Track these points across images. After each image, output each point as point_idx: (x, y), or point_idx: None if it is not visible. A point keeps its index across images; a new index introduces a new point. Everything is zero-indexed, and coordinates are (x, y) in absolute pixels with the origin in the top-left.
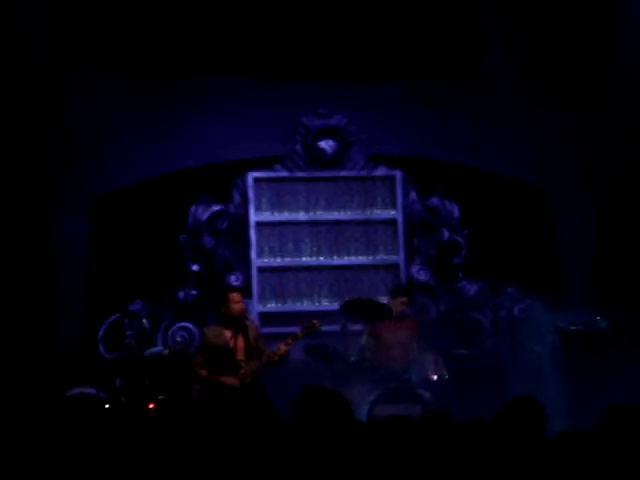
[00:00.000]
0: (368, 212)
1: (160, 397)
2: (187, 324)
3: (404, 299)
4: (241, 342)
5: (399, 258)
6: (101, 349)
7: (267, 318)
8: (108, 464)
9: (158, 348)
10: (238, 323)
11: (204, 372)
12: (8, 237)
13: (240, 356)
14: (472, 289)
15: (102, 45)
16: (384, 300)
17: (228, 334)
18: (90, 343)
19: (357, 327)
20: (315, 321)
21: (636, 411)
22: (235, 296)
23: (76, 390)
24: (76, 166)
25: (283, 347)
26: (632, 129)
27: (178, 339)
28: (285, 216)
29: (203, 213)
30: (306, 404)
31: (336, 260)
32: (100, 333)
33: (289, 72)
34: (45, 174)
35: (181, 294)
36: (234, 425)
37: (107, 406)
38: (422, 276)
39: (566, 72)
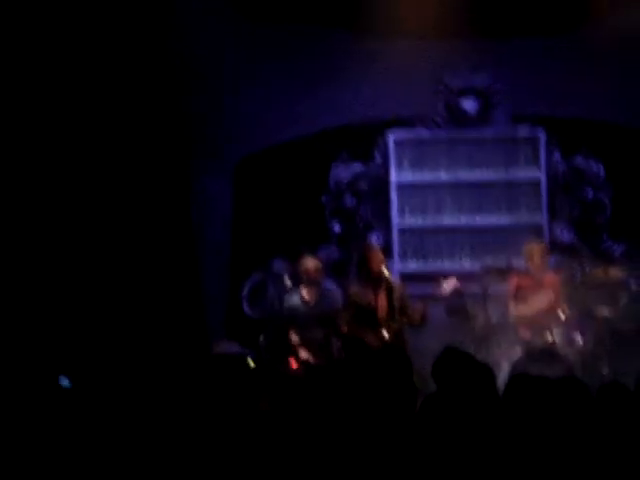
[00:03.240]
0: (511, 172)
1: (301, 355)
2: (328, 283)
3: (540, 254)
4: (383, 301)
5: (542, 219)
6: (245, 307)
7: (408, 278)
8: (251, 422)
9: (295, 298)
10: (381, 282)
11: (346, 329)
12: (153, 200)
13: (382, 315)
14: (618, 250)
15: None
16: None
17: (371, 293)
18: (234, 301)
19: (498, 288)
20: (452, 280)
21: None
22: (375, 255)
23: (223, 347)
24: (218, 128)
25: (421, 307)
26: None
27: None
28: (426, 176)
29: (344, 173)
30: (446, 365)
31: (478, 221)
32: (243, 292)
33: (431, 30)
34: (188, 138)
35: (322, 253)
36: (373, 385)
37: (252, 364)
38: (566, 237)
39: None
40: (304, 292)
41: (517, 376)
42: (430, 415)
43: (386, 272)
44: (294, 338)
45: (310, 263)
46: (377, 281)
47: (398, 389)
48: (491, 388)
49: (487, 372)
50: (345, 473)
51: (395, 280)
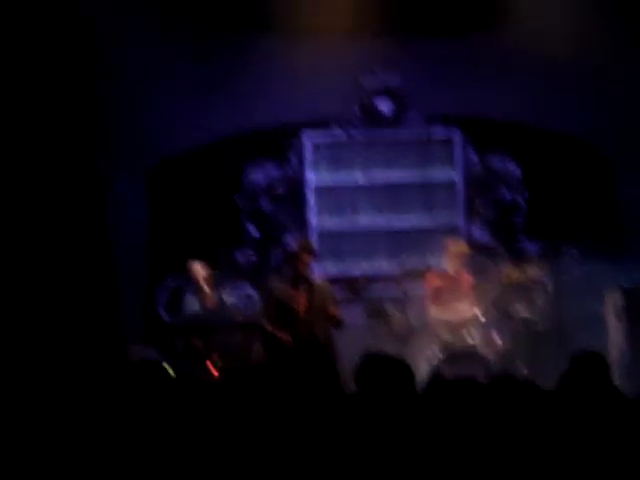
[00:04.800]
0: (427, 173)
1: (220, 360)
2: (246, 287)
3: (464, 256)
4: (303, 300)
5: (459, 220)
6: (162, 313)
7: None
8: (170, 432)
9: (193, 305)
10: (303, 281)
11: (269, 326)
12: (68, 205)
13: (301, 314)
14: (533, 250)
15: (149, 5)
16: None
17: (292, 291)
18: (151, 307)
19: (417, 289)
20: (360, 279)
21: None
22: (304, 256)
23: (139, 353)
24: (133, 133)
25: (333, 310)
26: None
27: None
28: (343, 178)
29: (260, 176)
30: (368, 371)
31: (395, 222)
32: (160, 297)
33: (345, 30)
34: (104, 141)
35: (239, 257)
36: (295, 389)
37: (169, 370)
38: (482, 237)
39: (629, 25)
40: (201, 298)
41: (436, 379)
42: (351, 417)
43: (308, 273)
44: (198, 343)
45: (196, 268)
46: (299, 280)
47: (322, 390)
48: (411, 389)
49: (408, 372)
50: None
51: (321, 279)
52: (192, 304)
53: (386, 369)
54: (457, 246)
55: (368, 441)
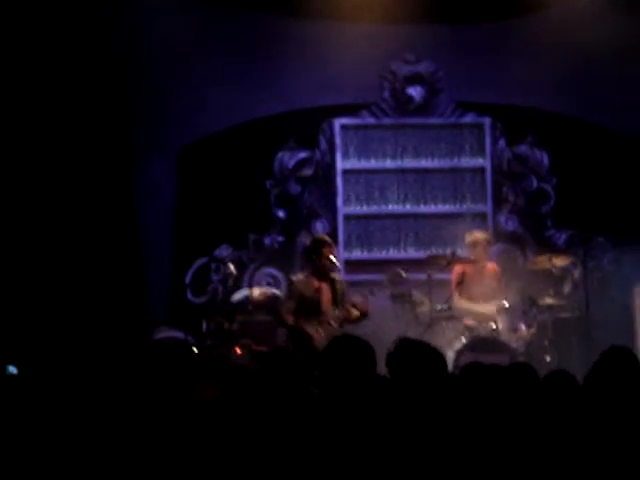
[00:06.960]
0: (456, 160)
1: (245, 341)
2: (273, 270)
3: (483, 244)
4: (327, 292)
5: (487, 207)
6: (188, 294)
7: (352, 265)
8: (192, 408)
9: (244, 293)
10: (326, 274)
11: (291, 319)
12: (96, 185)
13: (326, 306)
14: (561, 238)
15: None
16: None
17: (316, 283)
18: (178, 288)
19: (442, 275)
20: (399, 271)
21: None
22: (328, 251)
23: (165, 333)
24: (163, 113)
25: (362, 305)
26: None
27: (264, 284)
28: (372, 163)
29: (289, 160)
30: (402, 356)
31: (423, 208)
32: (187, 278)
33: (377, 17)
34: (134, 121)
35: (267, 240)
36: (323, 374)
37: (195, 350)
38: (510, 225)
39: None
40: (254, 292)
41: (471, 365)
42: (386, 402)
43: (336, 265)
44: (226, 325)
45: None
46: (324, 273)
47: (363, 376)
48: (444, 376)
49: (441, 360)
50: (298, 466)
51: (339, 275)
52: (241, 296)
53: (419, 355)
54: (471, 236)
55: (402, 425)
